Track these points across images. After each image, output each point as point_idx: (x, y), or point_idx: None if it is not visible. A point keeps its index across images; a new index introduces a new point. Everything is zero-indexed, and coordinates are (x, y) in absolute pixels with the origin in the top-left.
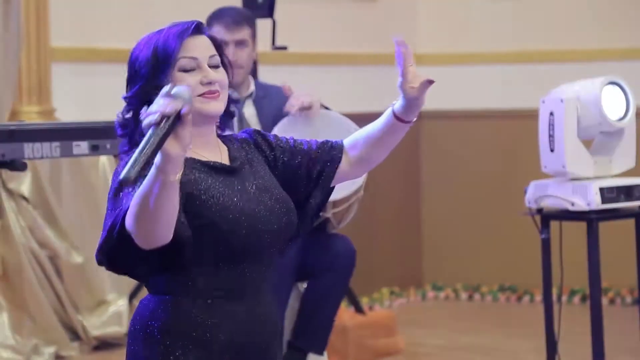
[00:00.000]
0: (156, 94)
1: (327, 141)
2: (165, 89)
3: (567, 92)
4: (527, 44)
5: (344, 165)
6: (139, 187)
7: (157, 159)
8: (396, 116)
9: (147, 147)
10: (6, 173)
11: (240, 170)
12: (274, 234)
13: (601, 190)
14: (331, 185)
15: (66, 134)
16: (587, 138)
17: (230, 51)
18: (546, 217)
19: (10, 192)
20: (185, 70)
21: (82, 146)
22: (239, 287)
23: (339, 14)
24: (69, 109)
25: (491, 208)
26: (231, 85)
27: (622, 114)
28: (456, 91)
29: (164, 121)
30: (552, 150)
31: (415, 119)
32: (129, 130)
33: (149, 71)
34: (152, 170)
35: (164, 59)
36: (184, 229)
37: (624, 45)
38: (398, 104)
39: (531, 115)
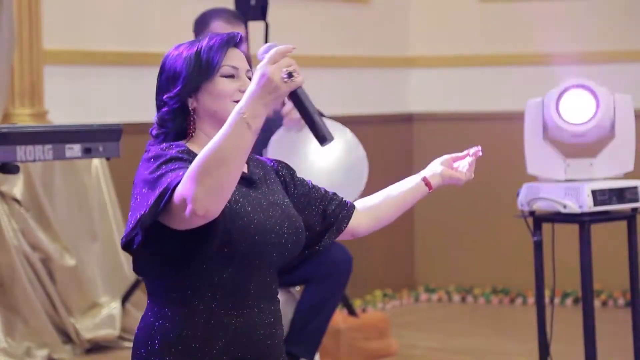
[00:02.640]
0: (193, 96)
1: (345, 201)
2: (272, 52)
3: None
4: (519, 46)
5: (353, 223)
6: (182, 165)
7: (244, 108)
8: (426, 183)
9: (310, 106)
10: None
11: (257, 182)
12: (281, 248)
13: (593, 192)
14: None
15: (59, 137)
16: (560, 140)
17: None
18: (538, 220)
19: (3, 195)
20: (226, 77)
21: (74, 149)
22: (239, 299)
23: (332, 16)
24: (62, 111)
25: (484, 210)
26: None
27: (587, 118)
28: (448, 93)
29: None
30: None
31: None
32: (166, 129)
33: (192, 73)
34: (237, 117)
35: (209, 63)
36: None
37: (619, 48)
38: (430, 173)
39: (523, 118)
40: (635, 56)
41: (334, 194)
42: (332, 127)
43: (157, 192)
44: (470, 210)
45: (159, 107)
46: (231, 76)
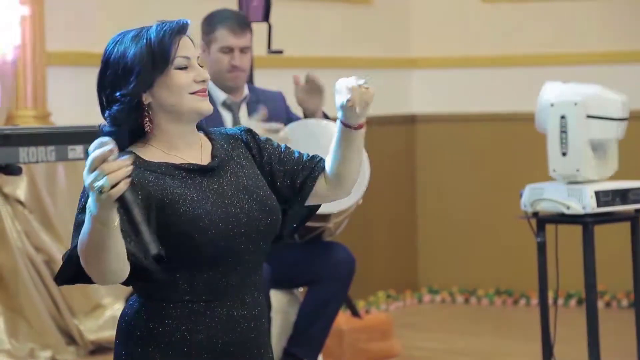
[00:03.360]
0: (148, 91)
1: (316, 156)
2: (95, 153)
3: (571, 95)
4: (521, 47)
5: (322, 183)
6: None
7: (98, 212)
8: (344, 123)
9: (137, 215)
10: (2, 177)
11: (220, 169)
12: (252, 237)
13: (597, 193)
14: (312, 203)
15: (61, 138)
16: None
17: (236, 56)
18: (542, 221)
19: (6, 197)
20: (180, 69)
21: (77, 150)
22: (219, 292)
23: (334, 17)
24: (65, 113)
25: (487, 211)
26: (231, 90)
27: (619, 117)
28: (450, 94)
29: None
30: (564, 154)
31: (362, 122)
32: (116, 128)
33: (145, 68)
34: (91, 223)
35: (162, 57)
36: (151, 265)
37: (619, 49)
38: (341, 115)
39: (526, 119)
40: (631, 57)
41: (306, 160)
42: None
43: (65, 257)
44: (474, 212)
45: (108, 103)
46: (184, 67)
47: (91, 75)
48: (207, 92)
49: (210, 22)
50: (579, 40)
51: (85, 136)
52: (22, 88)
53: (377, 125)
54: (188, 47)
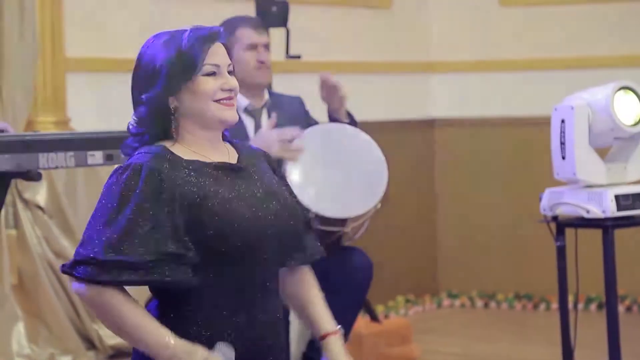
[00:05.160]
0: (175, 95)
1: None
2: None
3: (577, 99)
4: (540, 51)
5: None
6: (144, 241)
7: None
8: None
9: None
10: (22, 183)
11: (247, 170)
12: (279, 238)
13: (617, 197)
14: None
15: (81, 144)
16: (601, 145)
17: (261, 52)
18: (561, 225)
19: (26, 202)
20: (208, 75)
21: (96, 156)
22: (242, 297)
23: (353, 22)
24: (84, 118)
25: (506, 215)
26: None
27: (636, 119)
28: (470, 98)
29: None
30: (563, 158)
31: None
32: (144, 129)
33: (173, 73)
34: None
35: (190, 63)
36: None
37: (638, 52)
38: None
39: (545, 123)
40: None
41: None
42: (351, 132)
43: (81, 251)
44: (493, 215)
45: (135, 104)
46: (212, 73)
47: (110, 81)
48: (234, 101)
49: (229, 26)
50: (598, 44)
51: (104, 142)
52: (42, 94)
53: (395, 129)
54: (219, 55)
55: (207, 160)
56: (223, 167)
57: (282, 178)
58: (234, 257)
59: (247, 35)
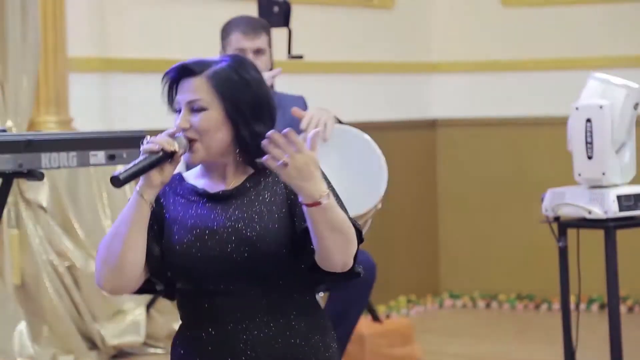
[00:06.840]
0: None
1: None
2: (171, 130)
3: (597, 99)
4: (542, 52)
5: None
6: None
7: (139, 182)
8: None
9: (140, 162)
10: (24, 183)
11: (232, 197)
12: (230, 264)
13: (618, 198)
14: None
15: (83, 144)
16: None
17: (250, 57)
18: (563, 225)
19: (28, 202)
20: (177, 112)
21: (98, 156)
22: (210, 317)
23: (355, 22)
24: (86, 118)
25: (508, 216)
26: None
27: None
28: (471, 99)
29: (160, 153)
30: (589, 158)
31: (319, 201)
32: None
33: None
34: (132, 196)
35: (166, 101)
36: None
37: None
38: None
39: (547, 123)
40: None
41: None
42: (350, 132)
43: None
44: (494, 216)
45: None
46: (178, 111)
47: (113, 81)
48: (194, 142)
49: (226, 28)
50: (600, 45)
51: (106, 142)
52: (44, 94)
53: (397, 129)
54: (181, 92)
55: (190, 184)
56: (201, 194)
57: (293, 205)
58: (188, 278)
59: (235, 40)
